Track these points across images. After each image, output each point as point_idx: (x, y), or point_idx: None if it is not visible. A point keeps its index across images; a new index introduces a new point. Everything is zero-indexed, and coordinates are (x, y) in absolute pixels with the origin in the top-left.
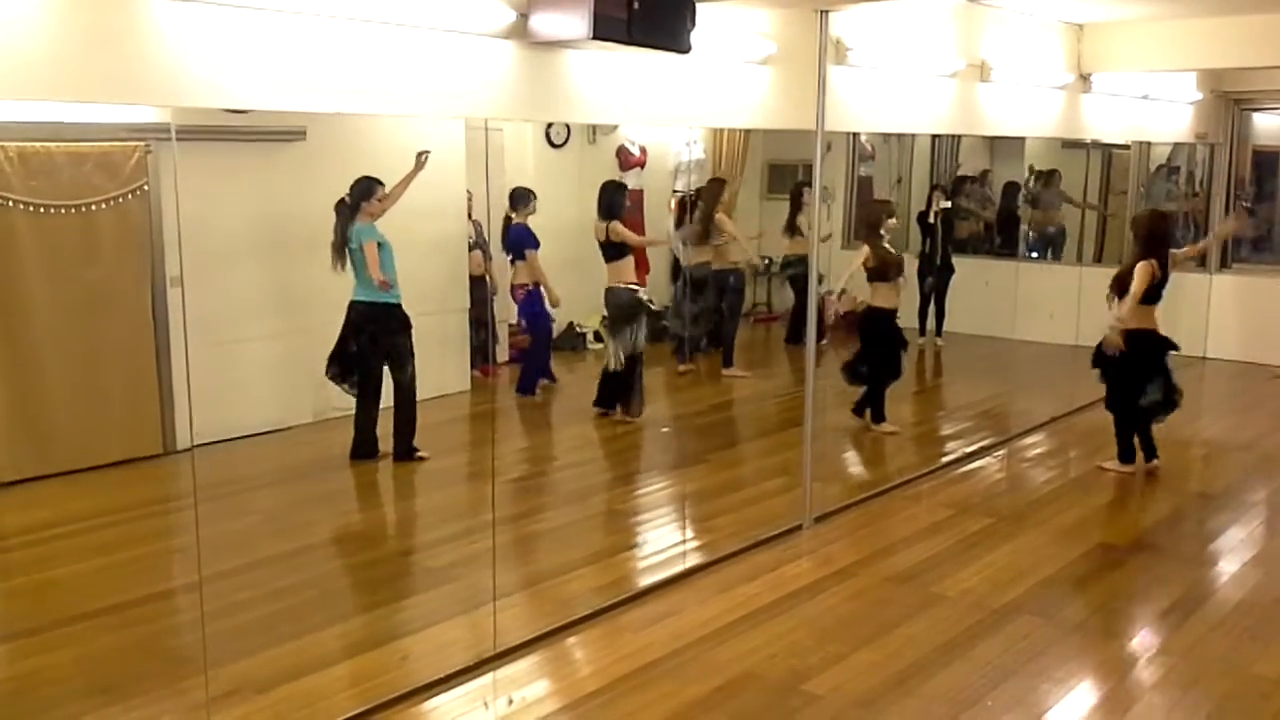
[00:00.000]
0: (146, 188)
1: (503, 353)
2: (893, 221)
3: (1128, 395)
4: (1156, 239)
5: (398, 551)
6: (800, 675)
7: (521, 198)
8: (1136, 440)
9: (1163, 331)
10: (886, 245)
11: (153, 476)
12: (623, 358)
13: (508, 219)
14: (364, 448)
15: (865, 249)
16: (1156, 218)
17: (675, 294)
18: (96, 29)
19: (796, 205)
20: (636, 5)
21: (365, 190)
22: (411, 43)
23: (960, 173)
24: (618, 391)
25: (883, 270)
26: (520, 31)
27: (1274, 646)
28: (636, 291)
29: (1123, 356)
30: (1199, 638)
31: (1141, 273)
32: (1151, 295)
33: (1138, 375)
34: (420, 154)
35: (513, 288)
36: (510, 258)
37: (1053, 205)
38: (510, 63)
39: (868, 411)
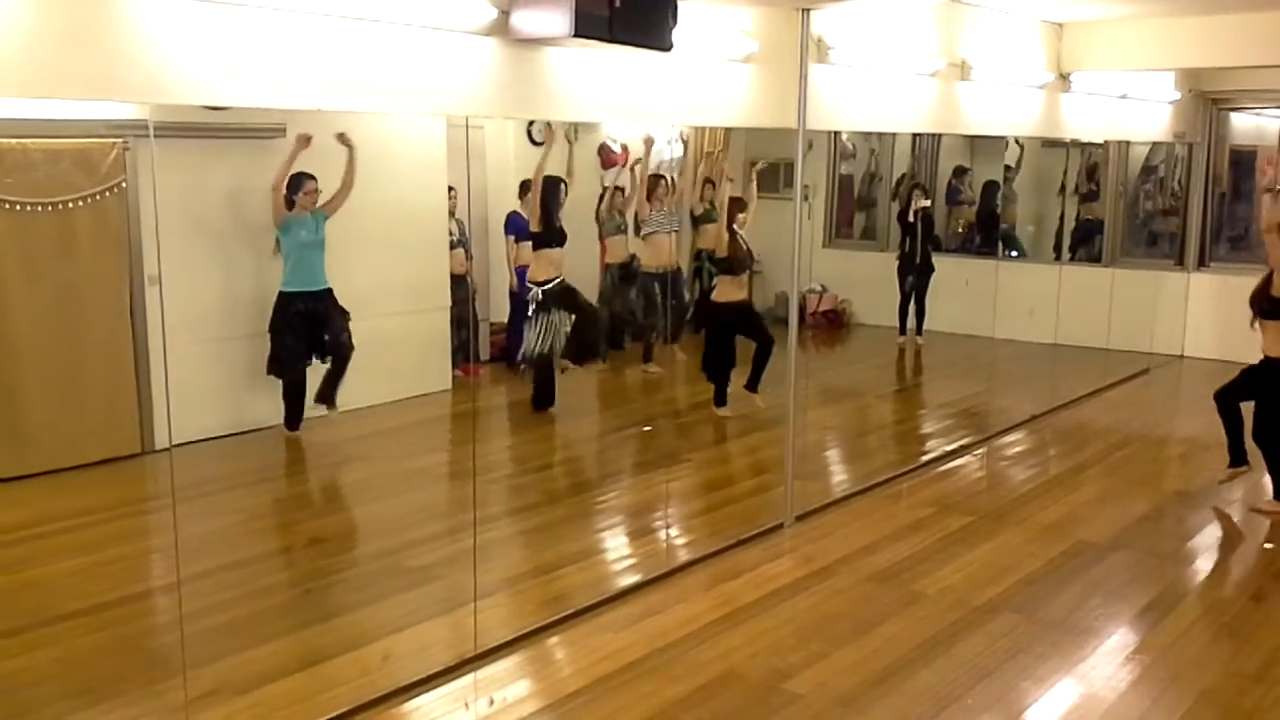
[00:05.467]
0: (124, 185)
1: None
2: (743, 216)
3: (1274, 423)
4: None
5: (379, 551)
6: (782, 674)
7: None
8: None
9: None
10: (740, 240)
11: (131, 476)
12: (531, 351)
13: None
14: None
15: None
16: None
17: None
18: (74, 25)
19: None
20: (618, 3)
21: (293, 184)
22: (392, 40)
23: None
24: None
25: (729, 264)
26: (502, 29)
27: (1251, 643)
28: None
29: (1268, 382)
30: (1178, 634)
31: None
32: None
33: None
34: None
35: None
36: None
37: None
38: (492, 60)
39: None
